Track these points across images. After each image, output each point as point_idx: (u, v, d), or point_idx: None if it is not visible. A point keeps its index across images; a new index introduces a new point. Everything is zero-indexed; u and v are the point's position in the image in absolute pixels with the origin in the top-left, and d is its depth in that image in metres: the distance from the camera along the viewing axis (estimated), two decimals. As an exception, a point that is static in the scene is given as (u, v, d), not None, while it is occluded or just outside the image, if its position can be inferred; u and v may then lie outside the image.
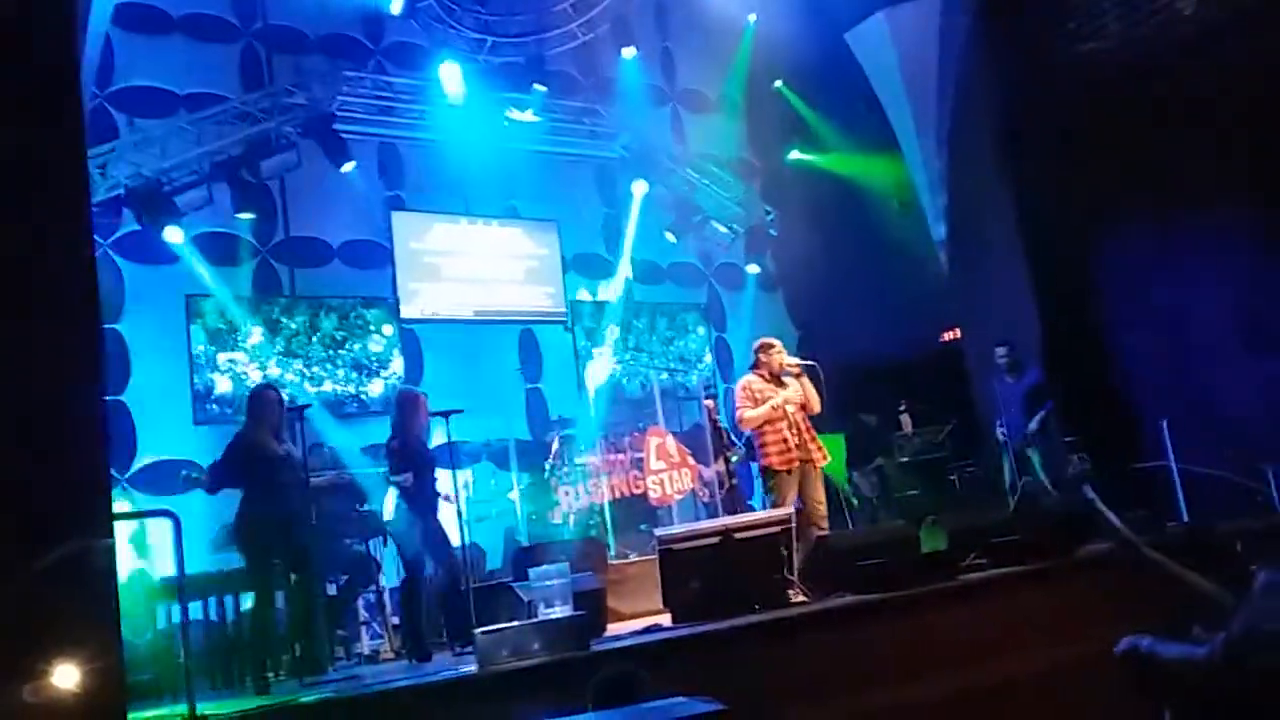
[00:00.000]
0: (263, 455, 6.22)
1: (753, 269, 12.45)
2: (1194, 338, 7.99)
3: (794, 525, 6.27)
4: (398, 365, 10.14)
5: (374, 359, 10.06)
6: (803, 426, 7.04)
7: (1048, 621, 5.46)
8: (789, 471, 6.92)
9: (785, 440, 6.94)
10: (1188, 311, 8.08)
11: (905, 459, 10.13)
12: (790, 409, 7.01)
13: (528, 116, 10.55)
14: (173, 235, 8.72)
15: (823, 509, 7.02)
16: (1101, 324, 8.88)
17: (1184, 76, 7.88)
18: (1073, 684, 4.99)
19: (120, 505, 7.43)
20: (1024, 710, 5.04)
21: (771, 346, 7.25)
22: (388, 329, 10.17)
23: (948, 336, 10.78)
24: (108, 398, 7.51)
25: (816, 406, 7.13)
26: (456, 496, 6.80)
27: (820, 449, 7.09)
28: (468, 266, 10.91)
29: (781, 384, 7.12)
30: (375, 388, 9.93)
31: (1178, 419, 7.45)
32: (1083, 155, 8.45)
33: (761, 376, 7.15)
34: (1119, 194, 8.34)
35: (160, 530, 6.11)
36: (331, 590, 7.33)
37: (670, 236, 12.08)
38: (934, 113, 10.26)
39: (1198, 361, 7.88)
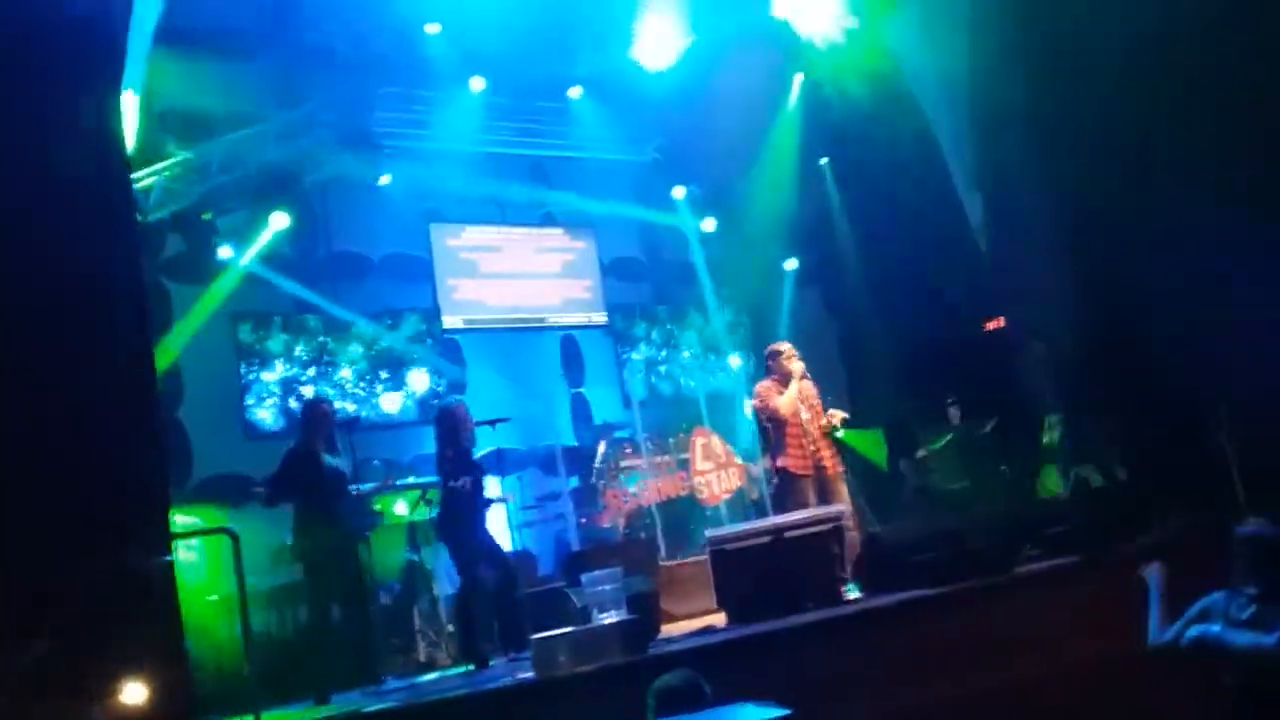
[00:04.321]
0: (317, 467, 6.31)
1: (791, 264, 12.38)
2: (1245, 319, 7.81)
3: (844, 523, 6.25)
4: (442, 376, 10.24)
5: (418, 370, 10.17)
6: (815, 434, 7.02)
7: (1105, 612, 5.38)
8: (806, 476, 6.90)
9: (802, 445, 6.93)
10: (1239, 291, 7.90)
11: (952, 450, 10.03)
12: (804, 415, 7.00)
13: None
14: (223, 253, 8.90)
15: (849, 511, 6.96)
16: (1148, 307, 8.73)
17: (1223, 45, 7.71)
18: (1134, 675, 4.93)
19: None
20: (1085, 702, 4.99)
21: (780, 352, 7.23)
22: (430, 340, 10.27)
23: (992, 325, 10.66)
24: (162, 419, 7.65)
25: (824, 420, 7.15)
26: (506, 502, 6.85)
27: (834, 457, 7.06)
28: (505, 262, 11.05)
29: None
30: (421, 399, 10.03)
31: (1231, 404, 7.30)
32: (1122, 129, 8.28)
33: (775, 381, 7.14)
34: (1163, 171, 8.17)
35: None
36: (386, 600, 7.41)
37: (709, 224, 12.10)
38: (966, 94, 10.13)
39: (1250, 343, 7.70)
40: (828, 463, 7.01)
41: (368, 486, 7.61)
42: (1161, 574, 4.20)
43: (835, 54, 10.40)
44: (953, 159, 10.40)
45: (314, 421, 6.55)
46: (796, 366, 7.12)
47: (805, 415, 7.03)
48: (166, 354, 8.37)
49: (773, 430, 7.09)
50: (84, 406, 4.55)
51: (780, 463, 6.99)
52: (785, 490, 6.97)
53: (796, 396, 7.01)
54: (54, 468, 4.42)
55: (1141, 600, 4.15)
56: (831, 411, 7.14)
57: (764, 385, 7.19)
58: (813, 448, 6.96)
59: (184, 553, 6.71)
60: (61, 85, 4.86)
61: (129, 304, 5.02)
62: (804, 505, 6.70)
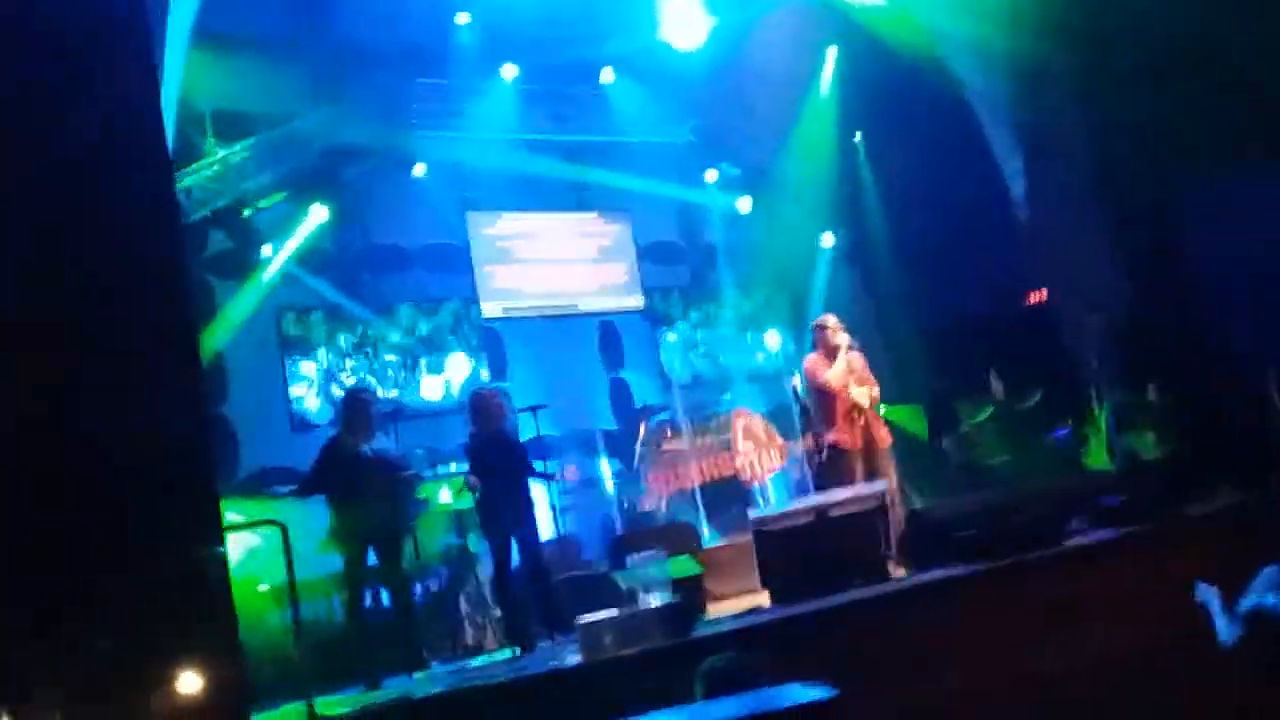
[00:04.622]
0: (351, 458, 6.36)
1: (828, 240, 12.27)
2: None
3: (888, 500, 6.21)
4: (483, 364, 10.31)
5: (459, 358, 10.24)
6: (864, 407, 6.96)
7: (1157, 586, 5.31)
8: (855, 450, 6.85)
9: (852, 419, 6.88)
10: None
11: (995, 424, 9.92)
12: (854, 389, 6.94)
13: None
14: (265, 251, 9.05)
15: (894, 486, 6.91)
16: (1194, 273, 8.57)
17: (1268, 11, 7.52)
18: (1187, 648, 4.86)
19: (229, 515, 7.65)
20: (1138, 676, 4.93)
21: (825, 326, 7.17)
22: (469, 329, 10.34)
23: (1034, 298, 10.53)
24: (209, 412, 7.77)
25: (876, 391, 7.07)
26: (549, 485, 6.86)
27: (883, 429, 7.00)
28: (542, 248, 11.09)
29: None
30: (462, 386, 10.11)
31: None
32: (1165, 95, 8.11)
33: (822, 355, 7.09)
34: (1205, 133, 7.98)
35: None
36: (434, 586, 7.50)
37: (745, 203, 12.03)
38: (1004, 64, 9.96)
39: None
40: (877, 437, 6.95)
41: (413, 475, 7.68)
42: (1216, 592, 4.06)
43: (869, 25, 10.29)
44: (991, 131, 10.27)
45: (351, 412, 6.62)
46: (843, 339, 7.05)
47: (855, 388, 6.97)
48: (207, 348, 8.50)
49: (822, 404, 7.04)
50: (133, 402, 4.63)
51: (830, 437, 6.93)
52: (834, 465, 6.90)
53: (845, 369, 6.95)
54: (105, 464, 4.51)
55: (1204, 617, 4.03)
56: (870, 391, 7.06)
57: (812, 359, 7.14)
58: (862, 421, 6.90)
59: (250, 539, 6.81)
60: (99, 81, 4.94)
61: (175, 300, 5.09)
62: (852, 480, 6.65)
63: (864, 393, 6.98)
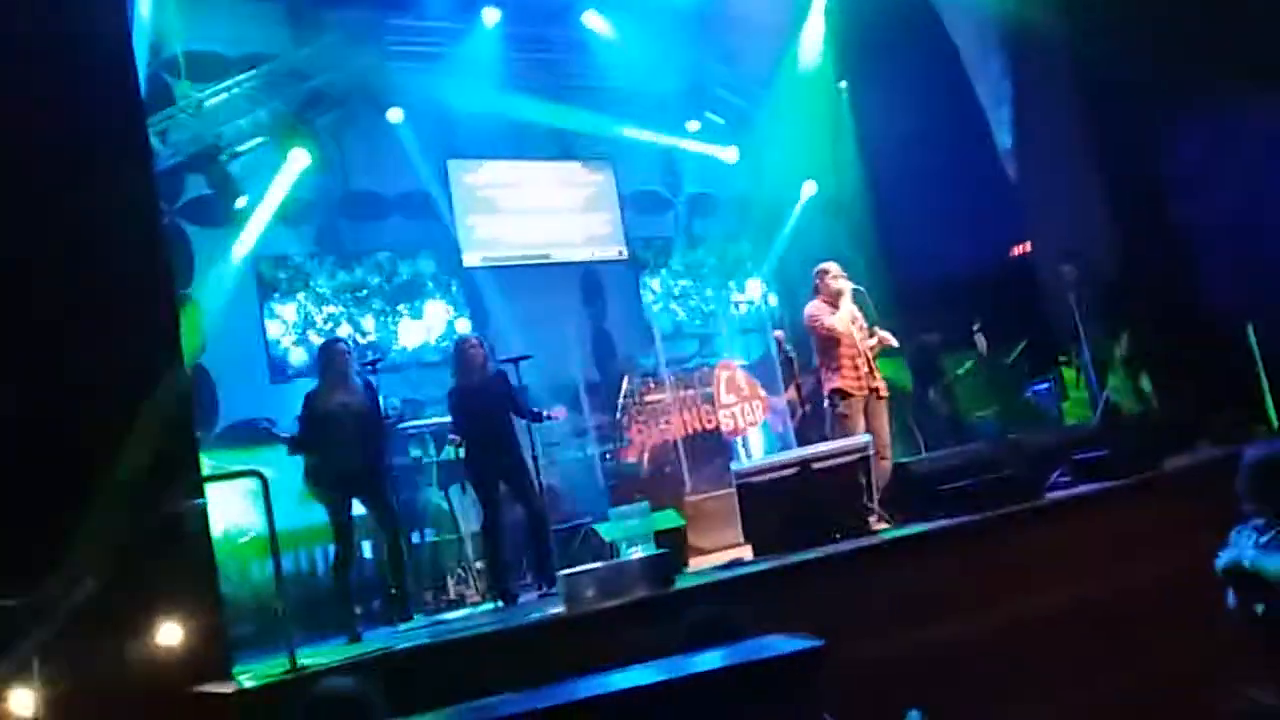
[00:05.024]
0: (328, 409, 6.29)
1: (812, 189, 12.16)
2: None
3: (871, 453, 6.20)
4: (463, 314, 10.23)
5: (437, 309, 10.16)
6: (869, 356, 6.94)
7: (1138, 537, 5.35)
8: (859, 397, 6.82)
9: (856, 366, 6.85)
10: (1271, 207, 7.72)
11: (978, 376, 9.94)
12: (857, 336, 6.91)
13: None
14: (240, 203, 8.90)
15: (886, 438, 6.92)
16: (1179, 225, 8.55)
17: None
18: (1165, 600, 4.91)
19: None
20: (1117, 627, 4.98)
21: (827, 271, 7.11)
22: (449, 278, 10.24)
23: (1018, 251, 10.50)
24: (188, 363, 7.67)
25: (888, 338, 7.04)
26: (539, 426, 6.83)
27: (881, 379, 6.99)
28: (525, 198, 10.95)
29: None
30: (440, 337, 10.04)
31: (1264, 321, 7.17)
32: (1154, 46, 8.04)
33: (825, 302, 7.03)
34: (1195, 86, 7.93)
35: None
36: (416, 538, 7.47)
37: (731, 154, 11.89)
38: (993, 12, 9.84)
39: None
40: (879, 384, 6.94)
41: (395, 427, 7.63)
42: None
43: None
44: (979, 81, 10.16)
45: (326, 363, 6.54)
46: (845, 285, 6.98)
47: (857, 335, 6.93)
48: (194, 311, 8.40)
49: (825, 350, 6.99)
50: (109, 353, 4.57)
51: (834, 384, 6.87)
52: (836, 412, 6.87)
53: (850, 315, 6.91)
54: (85, 416, 4.45)
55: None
56: (882, 334, 7.04)
57: (815, 305, 7.04)
58: (866, 369, 6.88)
59: (232, 490, 6.74)
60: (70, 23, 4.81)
61: (148, 248, 5.01)
62: (853, 428, 6.64)
63: (886, 336, 6.93)
